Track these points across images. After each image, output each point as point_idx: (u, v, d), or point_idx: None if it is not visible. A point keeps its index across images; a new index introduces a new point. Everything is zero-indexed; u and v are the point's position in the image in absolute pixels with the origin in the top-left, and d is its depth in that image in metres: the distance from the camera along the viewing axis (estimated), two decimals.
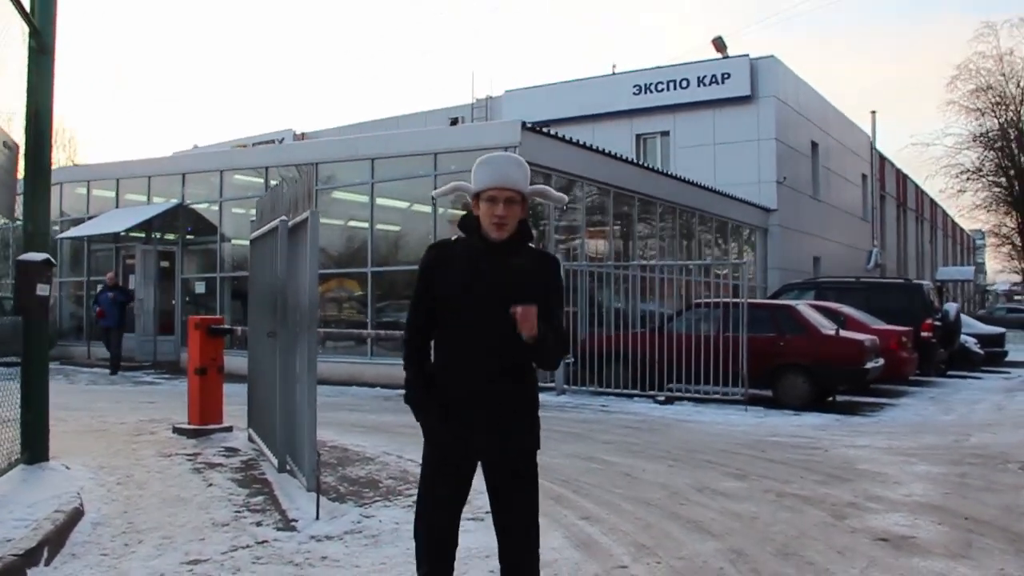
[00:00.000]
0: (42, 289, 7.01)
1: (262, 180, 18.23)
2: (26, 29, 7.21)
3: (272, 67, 76.94)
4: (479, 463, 3.51)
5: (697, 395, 13.61)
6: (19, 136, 7.24)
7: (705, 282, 17.87)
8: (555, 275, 3.51)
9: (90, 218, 22.02)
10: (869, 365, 13.10)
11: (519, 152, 14.89)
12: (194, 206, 20.83)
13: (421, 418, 3.53)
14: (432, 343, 3.53)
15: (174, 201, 20.69)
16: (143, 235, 21.22)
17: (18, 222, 7.46)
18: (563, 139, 16.99)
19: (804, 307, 14.45)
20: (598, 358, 14.39)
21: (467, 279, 3.34)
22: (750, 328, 12.96)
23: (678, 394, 13.73)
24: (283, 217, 7.06)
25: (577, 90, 29.43)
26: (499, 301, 3.24)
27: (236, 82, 76.77)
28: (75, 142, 47.89)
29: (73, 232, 21.72)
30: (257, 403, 8.65)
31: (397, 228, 17.61)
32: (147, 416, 11.19)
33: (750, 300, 14.02)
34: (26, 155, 7.25)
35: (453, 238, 3.50)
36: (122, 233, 20.54)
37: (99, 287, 19.91)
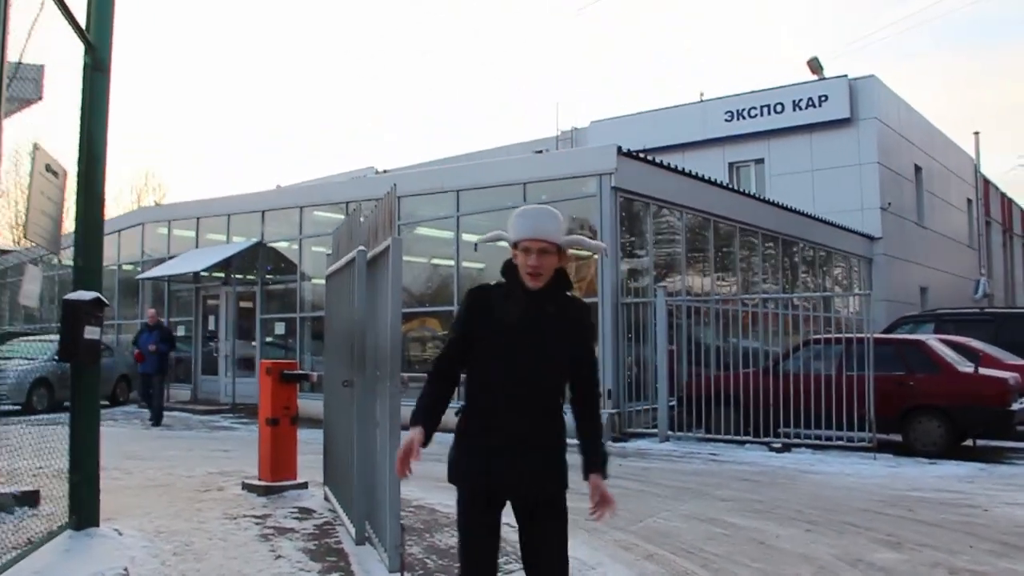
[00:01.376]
0: (91, 332, 6.20)
1: (343, 216, 17.45)
2: (81, 46, 6.52)
3: (354, 106, 77.51)
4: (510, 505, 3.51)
5: (816, 441, 12.26)
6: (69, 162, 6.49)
7: (814, 316, 16.54)
8: (583, 319, 3.58)
9: (170, 258, 21.62)
10: (1016, 406, 11.62)
11: (615, 179, 13.91)
12: (274, 244, 20.26)
13: (410, 432, 3.42)
14: (460, 379, 3.62)
15: (253, 240, 20.14)
16: (223, 275, 20.71)
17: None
18: (660, 165, 15.89)
19: (935, 342, 13.01)
20: (703, 401, 13.17)
21: (502, 324, 3.40)
22: (875, 366, 11.63)
23: (795, 440, 12.39)
24: (361, 247, 6.13)
25: (666, 119, 28.31)
26: (531, 347, 3.37)
27: (318, 122, 77.39)
28: (163, 187, 48.51)
29: (153, 272, 21.36)
30: (333, 458, 7.70)
31: (482, 266, 16.67)
32: (218, 468, 10.36)
33: (876, 335, 12.65)
34: (78, 182, 6.49)
35: (493, 283, 3.57)
36: (201, 273, 20.04)
37: (139, 326, 19.19)
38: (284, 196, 20.02)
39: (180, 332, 22.02)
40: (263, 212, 20.12)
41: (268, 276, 20.43)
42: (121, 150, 65.72)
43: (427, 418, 3.42)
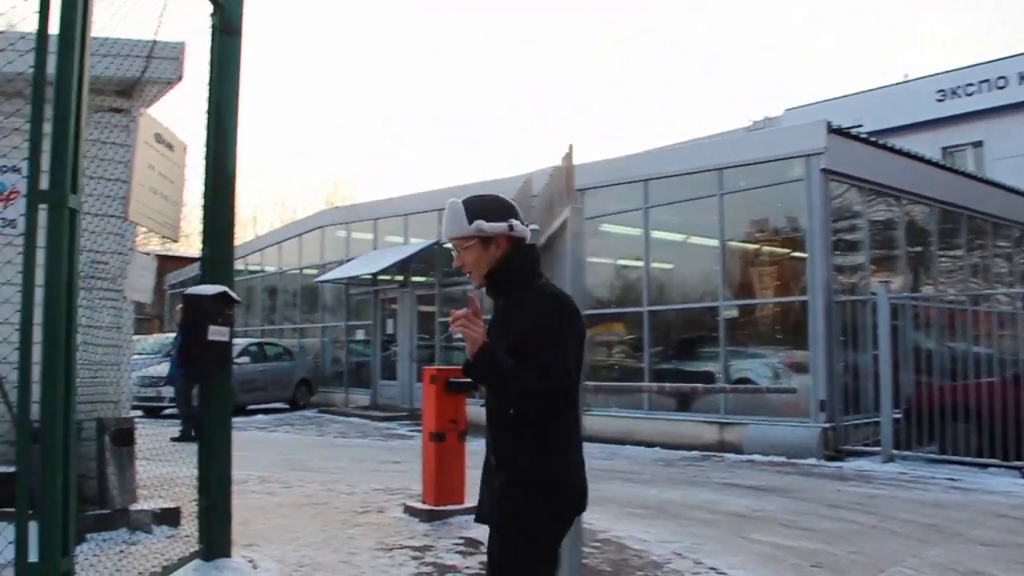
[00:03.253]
0: (218, 333, 5.22)
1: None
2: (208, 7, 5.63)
3: (540, 100, 76.72)
4: None
5: None
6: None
7: None
8: (526, 312, 2.95)
9: (349, 261, 21.21)
10: None
11: (824, 160, 12.18)
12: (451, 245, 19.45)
13: None
14: None
15: (431, 240, 19.40)
16: (401, 277, 20.09)
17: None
18: (879, 144, 13.94)
19: None
20: (935, 415, 11.24)
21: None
22: None
23: None
24: (532, 226, 4.90)
25: (867, 102, 25.87)
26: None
27: (500, 117, 77.07)
28: (340, 186, 49.01)
29: (329, 275, 21.00)
30: None
31: (670, 266, 15.20)
32: (383, 483, 9.40)
33: None
34: (205, 159, 5.57)
35: None
36: (377, 275, 19.47)
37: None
38: (426, 199, 19.22)
39: (359, 336, 21.61)
40: (439, 211, 19.35)
41: (446, 277, 19.69)
42: (306, 159, 67.57)
43: None
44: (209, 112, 5.61)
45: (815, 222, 12.26)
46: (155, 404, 18.20)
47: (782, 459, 11.95)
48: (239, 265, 28.32)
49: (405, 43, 73.55)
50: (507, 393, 2.88)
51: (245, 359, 19.71)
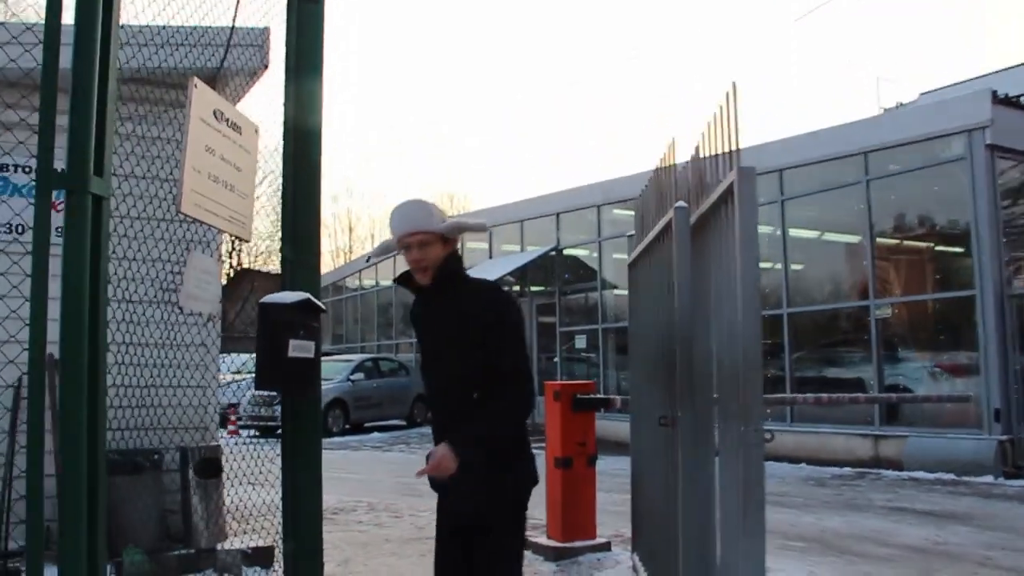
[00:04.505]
0: (300, 348, 4.35)
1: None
2: None
3: (657, 95, 74.92)
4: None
5: None
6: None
7: None
8: (492, 307, 3.11)
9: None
10: None
11: (990, 134, 10.72)
12: (570, 251, 18.50)
13: None
14: None
15: (548, 246, 18.49)
16: (518, 286, 19.23)
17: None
18: None
19: None
20: None
21: (416, 332, 3.34)
22: None
23: None
24: (679, 204, 3.88)
25: (1011, 81, 23.76)
26: (436, 350, 3.22)
27: (613, 116, 75.45)
28: (455, 198, 48.54)
29: None
30: (646, 519, 5.45)
31: (800, 266, 13.88)
32: None
33: None
34: (284, 148, 4.72)
35: None
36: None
37: None
38: (578, 196, 18.13)
39: None
40: (557, 215, 18.39)
41: (566, 285, 18.76)
42: (422, 174, 67.59)
43: None
44: (287, 90, 4.77)
45: (980, 205, 10.82)
46: (269, 424, 17.76)
47: (950, 476, 10.56)
48: (352, 281, 28.02)
49: (521, 48, 73.02)
50: (504, 434, 3.06)
51: (360, 375, 19.17)
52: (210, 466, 6.06)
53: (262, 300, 4.43)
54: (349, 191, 65.78)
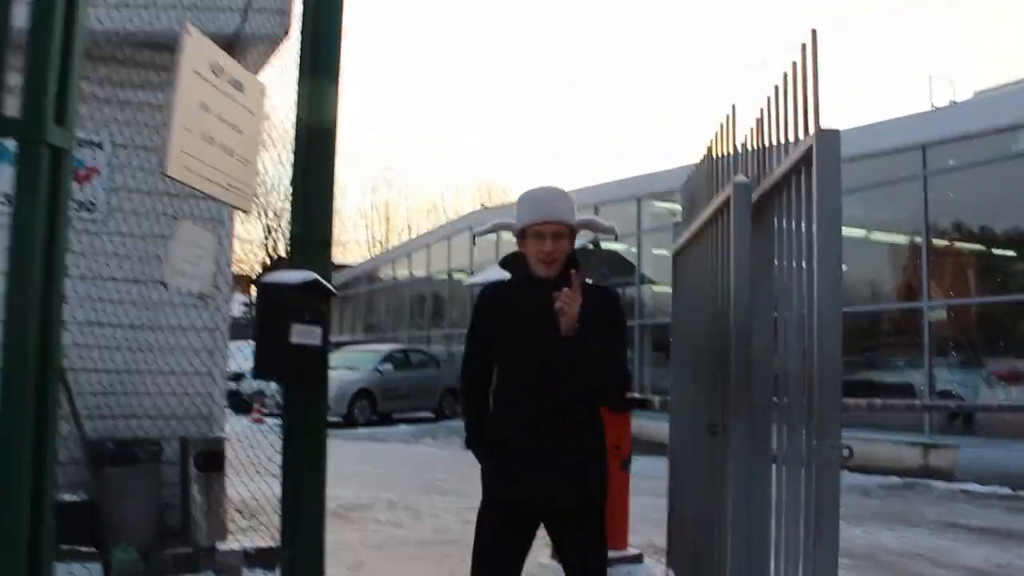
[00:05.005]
0: (304, 333, 3.89)
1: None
2: None
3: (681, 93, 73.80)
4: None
5: None
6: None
7: None
8: (610, 309, 3.11)
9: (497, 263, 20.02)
10: None
11: None
12: (608, 244, 17.96)
13: (482, 462, 3.27)
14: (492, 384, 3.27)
15: (585, 239, 17.96)
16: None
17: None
18: None
19: None
20: None
21: (516, 318, 3.12)
22: None
23: None
24: (739, 178, 3.36)
25: None
26: (548, 340, 2.96)
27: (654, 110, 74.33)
28: (493, 188, 47.92)
29: (478, 278, 19.84)
30: (683, 532, 4.90)
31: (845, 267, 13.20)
32: None
33: None
34: (298, 112, 4.26)
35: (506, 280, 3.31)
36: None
37: None
38: (618, 187, 17.60)
39: None
40: (595, 206, 17.83)
41: (603, 278, 18.24)
42: (458, 163, 67.08)
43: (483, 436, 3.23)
44: (303, 46, 4.30)
45: None
46: None
47: (1006, 490, 9.92)
48: (386, 271, 27.65)
49: (521, 48, 72.25)
50: (605, 373, 2.98)
51: (388, 366, 18.79)
52: (211, 458, 5.62)
53: (261, 278, 4.00)
54: (388, 182, 65.33)
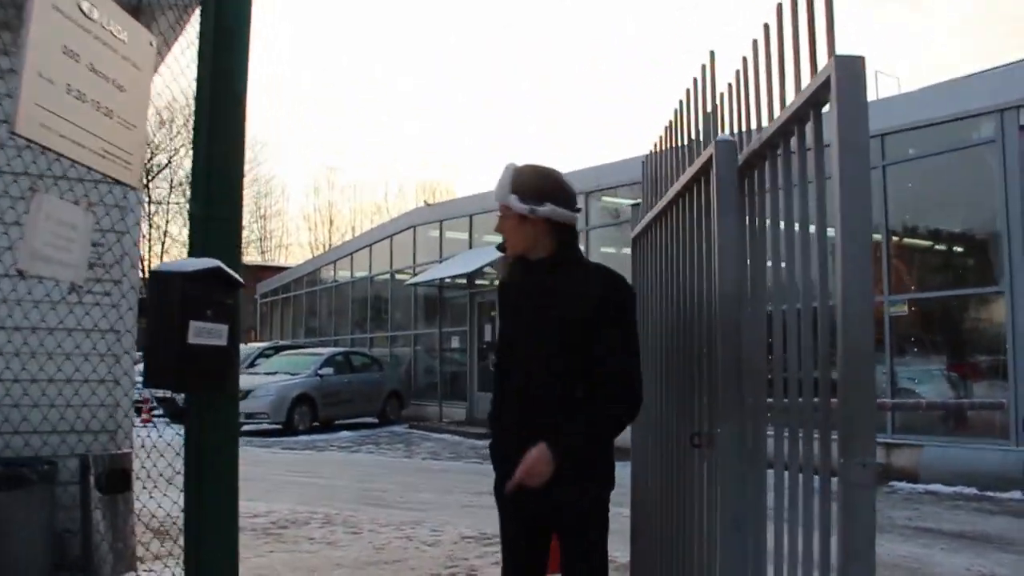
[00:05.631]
0: (206, 332, 3.27)
1: (638, 204, 14.12)
2: None
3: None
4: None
5: None
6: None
7: None
8: (611, 291, 2.88)
9: (442, 262, 19.36)
10: None
11: None
12: None
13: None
14: None
15: None
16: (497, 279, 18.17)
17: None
18: None
19: None
20: None
21: (505, 299, 3.14)
22: None
23: None
24: (722, 137, 2.80)
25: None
26: (528, 327, 2.95)
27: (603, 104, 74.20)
28: (438, 189, 47.15)
29: (422, 277, 19.20)
30: (651, 551, 4.31)
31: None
32: (476, 527, 7.44)
33: None
34: (199, 69, 3.63)
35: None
36: (473, 276, 17.59)
37: None
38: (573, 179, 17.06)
39: (455, 344, 19.74)
40: None
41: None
42: (401, 165, 66.21)
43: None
44: (205, 6, 3.67)
45: (1012, 191, 9.73)
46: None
47: (972, 491, 9.55)
48: (327, 272, 26.82)
49: (500, 40, 71.71)
50: (609, 434, 2.87)
51: (329, 370, 18.07)
52: (117, 478, 4.95)
53: (153, 268, 3.38)
54: (331, 183, 64.25)
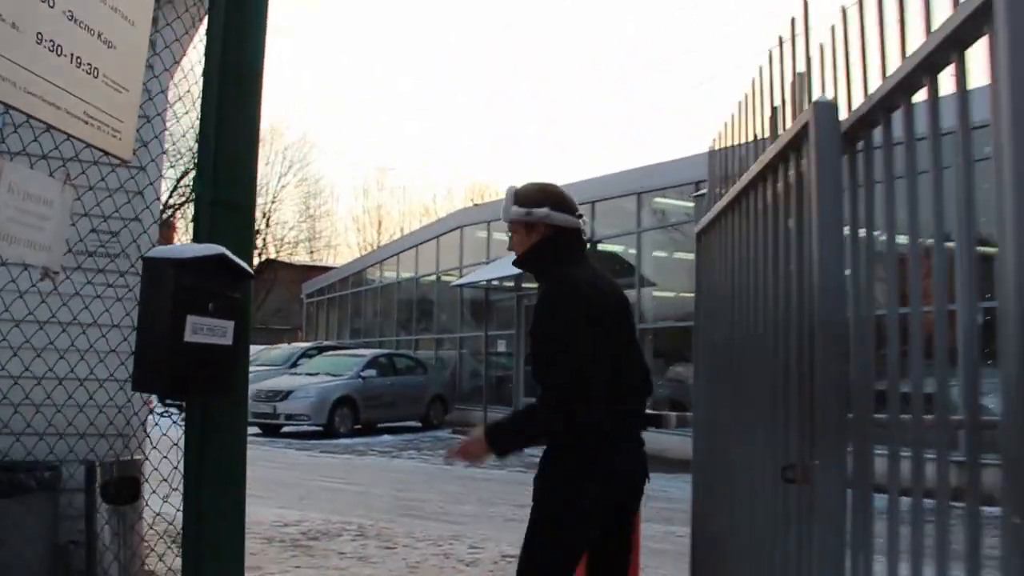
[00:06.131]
0: (207, 329, 2.84)
1: (690, 203, 13.59)
2: None
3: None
4: None
5: None
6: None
7: None
8: (539, 307, 3.01)
9: (489, 263, 18.91)
10: None
11: None
12: (606, 243, 16.88)
13: None
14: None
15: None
16: None
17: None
18: None
19: None
20: None
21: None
22: None
23: None
24: (820, 99, 2.29)
25: None
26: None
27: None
28: (486, 189, 46.68)
29: (468, 278, 18.73)
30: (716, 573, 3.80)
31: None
32: (519, 543, 6.89)
33: None
34: (209, 42, 3.21)
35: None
36: (520, 278, 17.11)
37: None
38: (616, 182, 16.52)
39: (501, 348, 19.27)
40: (592, 203, 16.73)
41: None
42: (450, 166, 65.90)
43: None
44: None
45: None
46: (272, 421, 16.34)
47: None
48: (373, 273, 26.52)
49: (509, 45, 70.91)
50: (537, 433, 3.01)
51: (372, 372, 17.70)
52: (126, 488, 4.54)
53: (147, 253, 2.96)
54: (380, 184, 63.91)
